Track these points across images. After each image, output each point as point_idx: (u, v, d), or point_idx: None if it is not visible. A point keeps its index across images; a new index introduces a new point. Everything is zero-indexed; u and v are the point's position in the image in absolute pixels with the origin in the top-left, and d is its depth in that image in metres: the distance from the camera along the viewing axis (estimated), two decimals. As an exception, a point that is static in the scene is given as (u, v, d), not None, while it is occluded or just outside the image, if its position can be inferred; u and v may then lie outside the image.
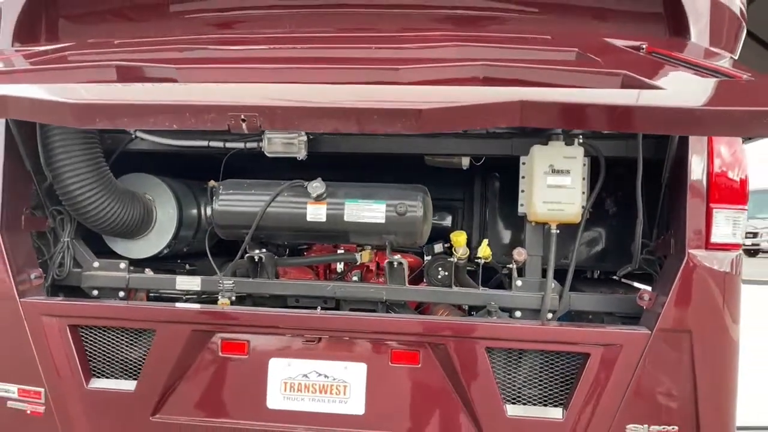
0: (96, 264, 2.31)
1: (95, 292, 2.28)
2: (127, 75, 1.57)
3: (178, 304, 2.10)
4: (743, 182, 1.91)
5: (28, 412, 2.04)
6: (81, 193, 2.14)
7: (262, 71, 1.56)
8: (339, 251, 2.41)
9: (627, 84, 1.35)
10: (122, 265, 2.31)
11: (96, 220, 2.22)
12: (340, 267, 2.41)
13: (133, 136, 2.31)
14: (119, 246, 2.48)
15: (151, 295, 2.38)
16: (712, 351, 1.82)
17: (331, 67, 1.55)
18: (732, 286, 1.86)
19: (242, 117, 1.25)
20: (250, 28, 1.97)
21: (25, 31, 2.12)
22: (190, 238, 2.67)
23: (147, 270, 2.38)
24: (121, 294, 2.28)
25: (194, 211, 2.64)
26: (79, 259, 2.32)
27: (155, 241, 2.51)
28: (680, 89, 1.29)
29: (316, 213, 2.08)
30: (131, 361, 2.08)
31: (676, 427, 1.81)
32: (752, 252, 22.25)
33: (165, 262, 2.62)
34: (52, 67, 1.66)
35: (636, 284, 2.41)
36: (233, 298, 2.16)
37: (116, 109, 1.37)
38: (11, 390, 2.06)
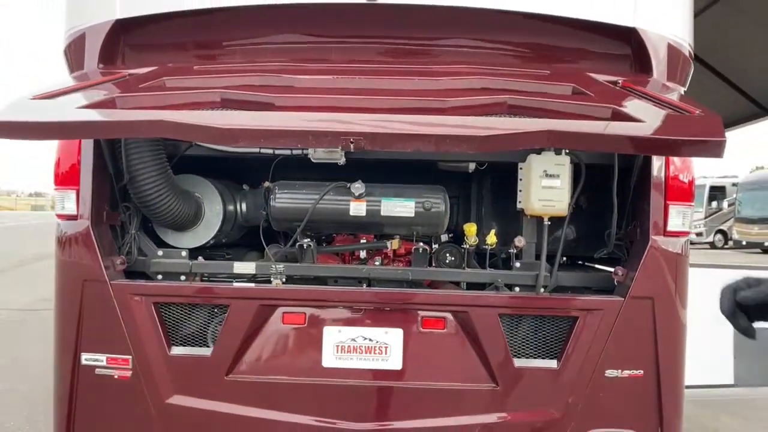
0: (160, 252, 2.70)
1: (159, 276, 2.66)
2: (243, 101, 1.97)
3: (248, 284, 2.52)
4: (691, 184, 2.50)
5: (116, 376, 2.42)
6: (151, 192, 2.52)
7: (343, 99, 1.99)
8: (362, 241, 2.88)
9: (616, 116, 1.89)
10: (183, 253, 2.71)
11: (160, 214, 2.60)
12: (362, 254, 2.88)
13: (192, 143, 2.70)
14: (170, 237, 2.86)
15: (204, 278, 2.78)
16: (668, 312, 2.40)
17: (395, 97, 2.00)
18: (682, 264, 2.45)
19: (351, 140, 1.71)
20: (309, 57, 2.41)
21: (107, 55, 2.49)
22: (228, 230, 3.06)
23: (199, 257, 2.78)
24: (182, 278, 2.67)
25: (232, 208, 3.03)
26: (144, 248, 2.69)
27: (203, 234, 2.90)
28: (654, 122, 1.82)
29: (358, 209, 2.55)
30: (204, 331, 2.50)
31: (642, 371, 2.38)
32: (685, 243, 23.88)
33: (205, 251, 3.01)
34: (169, 93, 2.04)
35: (599, 267, 2.98)
36: (284, 279, 2.60)
37: (257, 133, 1.79)
38: (100, 359, 2.43)
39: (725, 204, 24.92)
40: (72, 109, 1.83)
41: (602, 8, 2.40)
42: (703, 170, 26.96)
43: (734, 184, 24.65)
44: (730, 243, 24.01)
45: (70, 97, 1.96)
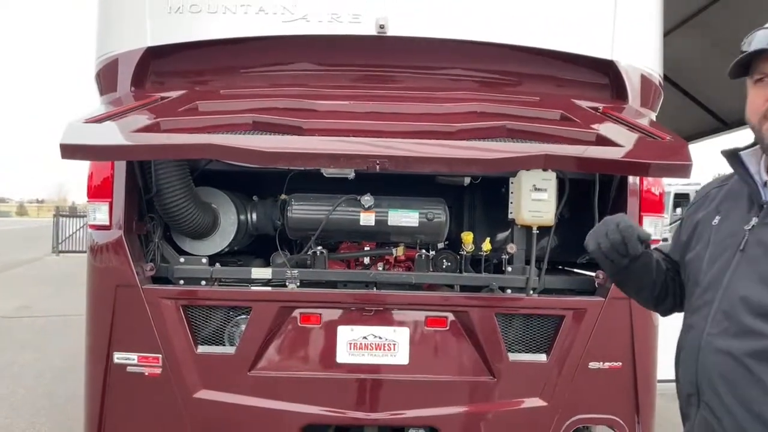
0: (182, 259, 2.92)
1: (181, 282, 2.88)
2: (273, 125, 2.22)
3: (268, 288, 2.76)
4: (661, 197, 2.84)
5: (146, 374, 2.63)
6: (176, 203, 2.73)
7: (363, 123, 2.26)
8: (366, 248, 3.14)
9: (599, 140, 2.20)
10: (204, 260, 2.93)
11: (183, 224, 2.82)
12: (366, 260, 3.14)
13: (213, 159, 2.93)
14: (187, 245, 3.08)
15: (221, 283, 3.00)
16: (642, 311, 2.71)
17: (409, 122, 2.28)
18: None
19: (377, 162, 1.97)
20: (327, 83, 2.67)
21: (138, 79, 2.71)
22: (240, 239, 3.30)
23: (216, 264, 3.01)
24: (203, 283, 2.89)
25: (243, 218, 3.26)
26: (167, 255, 2.91)
27: (219, 242, 3.12)
28: (631, 146, 2.13)
29: (368, 219, 2.81)
30: (226, 330, 2.73)
31: (620, 363, 2.70)
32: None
33: (218, 258, 3.23)
34: (205, 116, 2.28)
35: (577, 270, 3.29)
36: (298, 283, 2.84)
37: (296, 155, 2.04)
38: (132, 358, 2.64)
39: (689, 211, 25.80)
40: (127, 133, 2.06)
41: (585, 43, 2.72)
42: (668, 179, 27.72)
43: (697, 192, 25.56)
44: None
45: (121, 120, 2.18)
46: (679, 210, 25.68)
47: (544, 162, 2.09)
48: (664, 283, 1.63)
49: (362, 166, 2.03)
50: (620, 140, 2.17)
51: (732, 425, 1.29)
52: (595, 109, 2.62)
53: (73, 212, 27.18)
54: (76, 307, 9.19)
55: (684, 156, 2.05)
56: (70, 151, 1.98)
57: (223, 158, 2.25)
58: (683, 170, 2.01)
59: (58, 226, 20.94)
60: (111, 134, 2.09)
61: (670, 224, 26.25)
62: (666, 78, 6.85)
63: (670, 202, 25.50)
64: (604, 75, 2.79)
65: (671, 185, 26.42)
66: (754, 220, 1.35)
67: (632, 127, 2.35)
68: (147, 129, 2.12)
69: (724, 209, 1.45)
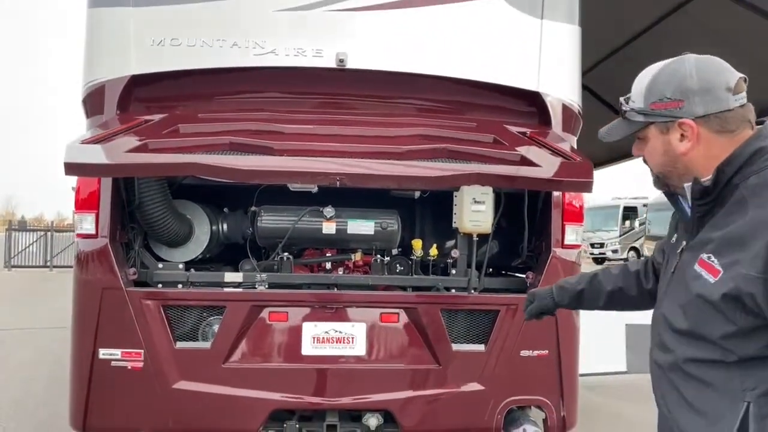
0: (160, 265, 3.23)
1: (160, 285, 3.19)
2: (248, 145, 2.58)
3: (241, 289, 3.09)
4: (581, 208, 3.31)
5: (129, 367, 2.92)
6: (156, 214, 3.06)
7: (325, 145, 2.64)
8: (327, 254, 3.51)
9: (523, 161, 2.65)
10: (180, 266, 3.25)
11: (161, 233, 3.14)
12: (328, 265, 3.50)
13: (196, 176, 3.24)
14: (164, 252, 3.39)
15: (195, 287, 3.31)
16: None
17: (365, 144, 2.68)
18: (576, 269, 3.23)
19: (338, 178, 2.35)
20: (294, 108, 3.05)
21: (122, 104, 3.04)
22: (212, 247, 3.62)
23: (191, 269, 3.32)
24: (179, 286, 3.19)
25: (215, 228, 3.58)
26: (146, 262, 3.22)
27: (192, 249, 3.44)
28: (548, 166, 2.59)
29: (329, 228, 3.19)
30: (201, 328, 3.05)
31: (547, 351, 3.13)
32: (599, 260, 25.71)
33: (192, 265, 3.53)
34: (187, 138, 2.62)
35: (515, 274, 3.73)
36: (266, 286, 3.18)
37: (271, 173, 2.40)
38: (116, 353, 2.92)
39: (637, 223, 26.98)
40: (121, 153, 2.39)
41: (515, 76, 3.19)
42: (617, 192, 29.01)
43: (645, 205, 26.81)
44: (642, 259, 25.91)
45: (113, 142, 2.50)
46: (627, 222, 26.91)
47: (477, 179, 2.52)
48: (640, 295, 1.84)
49: (325, 181, 2.41)
50: (540, 161, 2.62)
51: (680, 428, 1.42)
52: (523, 133, 3.08)
53: (24, 227, 26.47)
54: (31, 321, 9.20)
55: (588, 174, 2.51)
56: (73, 169, 2.29)
57: (206, 175, 2.59)
58: (586, 186, 2.49)
59: (10, 241, 20.45)
60: (107, 154, 2.41)
61: (620, 236, 27.20)
62: (604, 101, 7.50)
63: (619, 215, 26.75)
64: (531, 104, 3.26)
65: (620, 199, 27.71)
66: (683, 243, 1.45)
67: (551, 149, 2.81)
68: (137, 149, 2.45)
69: (681, 228, 1.52)
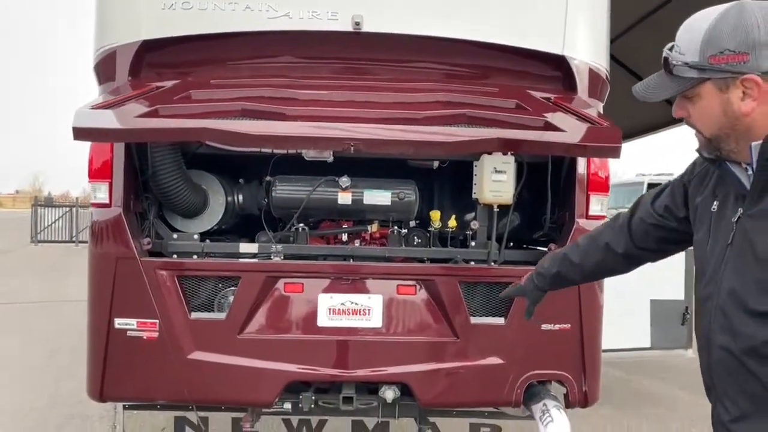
0: (175, 236, 3.19)
1: (175, 256, 3.15)
2: (260, 112, 2.49)
3: (256, 260, 3.04)
4: (607, 179, 3.17)
5: (145, 337, 2.90)
6: (170, 184, 3.00)
7: (339, 110, 2.55)
8: (344, 226, 3.44)
9: (547, 126, 2.52)
10: (195, 236, 3.21)
11: (175, 203, 3.09)
12: (344, 237, 3.44)
13: (204, 142, 3.19)
14: (179, 223, 3.34)
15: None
16: (589, 279, 3.06)
17: (380, 110, 2.58)
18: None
19: (351, 144, 2.26)
20: (308, 74, 2.95)
21: (134, 70, 2.97)
22: (227, 219, 3.57)
23: (206, 240, 3.28)
24: (194, 257, 3.16)
25: (231, 199, 3.53)
26: (161, 232, 3.18)
27: (207, 220, 3.39)
28: (574, 131, 2.47)
29: (345, 198, 3.11)
30: (217, 299, 3.01)
31: (569, 324, 3.04)
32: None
33: (208, 236, 3.49)
34: (199, 104, 2.55)
35: (538, 247, 3.63)
36: (281, 257, 3.13)
37: (281, 138, 2.32)
38: (131, 323, 2.90)
39: (661, 199, 26.43)
40: (131, 118, 2.33)
41: (539, 40, 3.04)
42: (641, 168, 28.49)
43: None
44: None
45: (124, 107, 2.44)
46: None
47: (499, 144, 2.41)
48: (615, 263, 1.84)
49: (338, 147, 2.32)
50: (565, 126, 2.50)
51: (740, 418, 1.31)
52: (547, 99, 2.94)
53: (50, 202, 26.95)
54: (56, 294, 9.38)
55: (616, 140, 2.38)
56: (81, 134, 2.24)
57: (217, 141, 2.52)
58: (614, 152, 2.36)
59: (36, 216, 20.86)
60: (116, 118, 2.35)
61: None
62: (630, 71, 7.23)
63: (643, 191, 26.25)
64: (556, 69, 3.12)
65: (645, 175, 27.21)
66: (740, 211, 1.31)
67: (577, 115, 2.68)
68: (148, 114, 2.39)
69: (721, 194, 1.40)
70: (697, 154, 1.46)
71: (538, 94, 2.98)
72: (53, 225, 21.26)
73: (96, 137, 2.30)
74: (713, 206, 1.41)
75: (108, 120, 2.34)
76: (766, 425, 1.26)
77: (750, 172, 1.29)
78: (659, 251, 1.78)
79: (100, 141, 2.29)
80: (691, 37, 1.28)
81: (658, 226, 1.67)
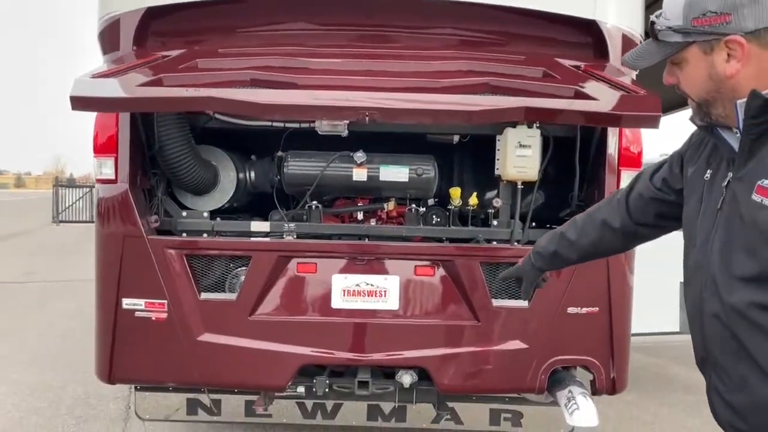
0: (184, 213, 3.07)
1: (184, 234, 3.04)
2: (270, 81, 2.34)
3: (268, 239, 2.91)
4: (639, 154, 2.97)
5: (153, 318, 2.80)
6: (178, 159, 2.87)
7: (354, 79, 2.38)
8: (359, 204, 3.29)
9: (578, 95, 2.33)
10: (205, 214, 3.09)
11: (184, 179, 2.96)
12: (360, 216, 3.29)
13: (212, 116, 3.05)
14: (189, 201, 3.22)
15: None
16: (618, 260, 2.88)
17: (397, 78, 2.40)
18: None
19: (367, 113, 2.10)
20: (320, 42, 2.78)
21: (139, 38, 2.83)
22: (239, 196, 3.44)
23: (217, 218, 3.15)
24: (204, 235, 3.04)
25: (242, 176, 3.39)
26: (169, 210, 3.06)
27: (218, 198, 3.26)
28: (607, 100, 2.27)
29: (360, 174, 2.96)
30: (227, 279, 2.90)
31: (597, 308, 2.87)
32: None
33: (219, 214, 3.37)
34: (205, 73, 2.40)
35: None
36: (294, 236, 3.00)
37: (291, 108, 2.17)
38: (139, 303, 2.80)
39: (685, 180, 25.91)
40: (133, 87, 2.19)
41: (568, 3, 2.83)
42: (666, 148, 27.81)
43: (694, 162, 25.66)
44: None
45: (126, 76, 2.30)
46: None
47: (525, 114, 2.23)
48: (612, 240, 1.83)
49: (353, 117, 2.16)
50: (597, 95, 2.31)
51: (734, 390, 1.30)
52: (577, 67, 2.74)
53: (72, 183, 27.27)
54: (76, 273, 9.41)
55: (654, 108, 2.19)
56: (80, 103, 2.11)
57: (224, 111, 2.38)
58: (652, 121, 2.16)
59: (57, 197, 21.09)
60: (117, 87, 2.22)
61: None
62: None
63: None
64: (586, 34, 2.90)
65: (666, 155, 26.73)
66: (729, 176, 1.31)
67: (610, 83, 2.48)
68: (151, 83, 2.25)
69: (714, 162, 1.40)
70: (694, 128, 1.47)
71: (566, 62, 2.78)
72: (74, 205, 21.47)
73: (95, 107, 2.17)
74: (706, 174, 1.40)
75: (108, 89, 2.20)
76: (762, 393, 1.23)
77: (739, 135, 1.28)
78: (657, 227, 1.76)
79: (100, 111, 2.17)
80: (674, 1, 1.28)
81: (657, 200, 1.67)
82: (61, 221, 20.60)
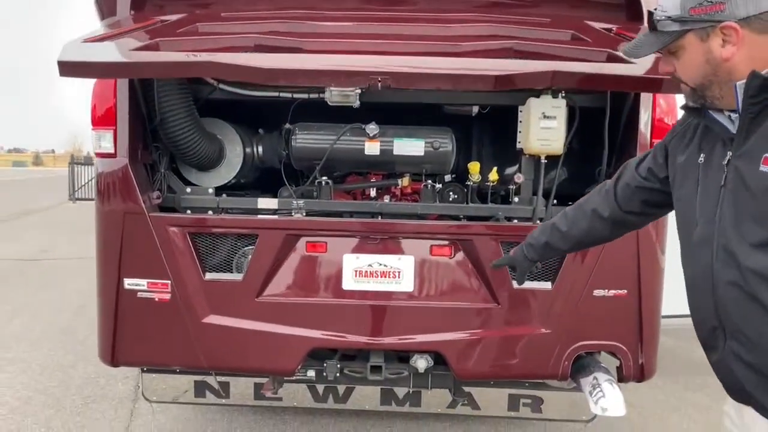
0: (188, 189, 2.92)
1: (188, 212, 2.90)
2: (275, 47, 2.16)
3: (276, 217, 2.76)
4: (674, 126, 2.75)
5: (156, 299, 2.68)
6: (180, 132, 2.71)
7: (365, 43, 2.19)
8: (372, 180, 3.12)
9: (610, 59, 2.12)
10: (210, 190, 2.94)
11: (187, 153, 2.80)
12: (372, 192, 3.12)
13: (216, 86, 2.88)
14: (193, 176, 3.08)
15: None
16: (649, 239, 2.69)
17: (414, 42, 2.21)
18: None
19: (379, 78, 1.92)
20: (327, 4, 2.59)
21: (138, 2, 2.65)
22: (246, 172, 3.28)
23: (223, 195, 3.01)
24: (210, 212, 2.90)
25: (249, 150, 3.23)
26: (173, 186, 2.92)
27: (224, 174, 3.11)
28: (645, 63, 2.06)
29: (372, 148, 2.78)
30: (234, 259, 2.76)
31: (626, 290, 2.69)
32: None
33: (225, 191, 3.22)
34: (206, 38, 2.23)
35: None
36: (304, 213, 2.84)
37: (296, 72, 1.99)
38: (141, 284, 2.68)
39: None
40: (126, 51, 2.03)
41: (599, -39, 2.61)
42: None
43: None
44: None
45: (120, 40, 2.14)
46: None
47: (553, 79, 2.02)
48: (602, 229, 1.98)
49: (364, 83, 1.98)
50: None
51: (756, 350, 1.36)
52: (609, 30, 2.52)
53: (89, 161, 27.39)
54: (90, 251, 9.40)
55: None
56: (68, 69, 1.95)
57: (222, 77, 2.21)
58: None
59: (74, 175, 21.17)
60: (109, 52, 2.06)
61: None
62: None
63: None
64: (619, -5, 2.68)
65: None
66: (729, 155, 1.39)
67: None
68: (146, 48, 2.08)
69: (707, 146, 1.49)
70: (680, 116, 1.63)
71: (597, 25, 2.55)
72: (90, 183, 21.54)
73: (84, 72, 2.01)
74: (700, 159, 1.49)
75: (99, 53, 2.04)
76: None
77: (733, 117, 1.38)
78: (643, 214, 1.90)
79: (88, 77, 2.01)
80: None
81: (642, 188, 1.81)
82: (78, 199, 20.70)
